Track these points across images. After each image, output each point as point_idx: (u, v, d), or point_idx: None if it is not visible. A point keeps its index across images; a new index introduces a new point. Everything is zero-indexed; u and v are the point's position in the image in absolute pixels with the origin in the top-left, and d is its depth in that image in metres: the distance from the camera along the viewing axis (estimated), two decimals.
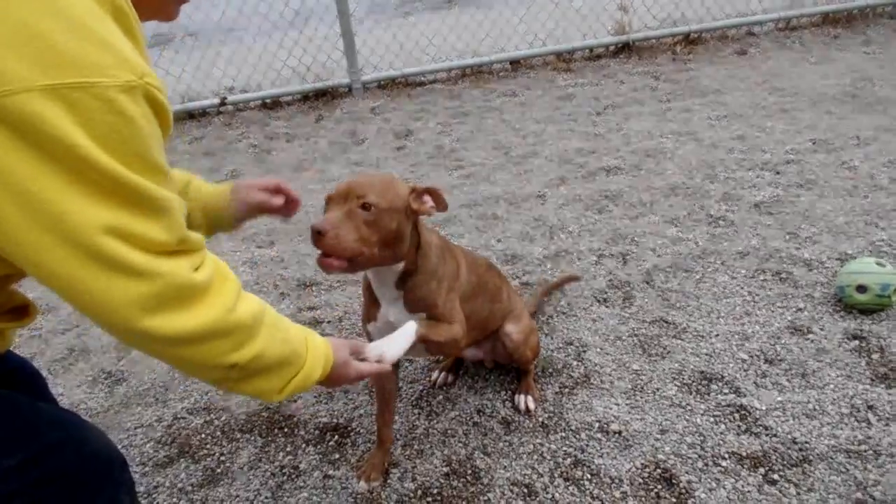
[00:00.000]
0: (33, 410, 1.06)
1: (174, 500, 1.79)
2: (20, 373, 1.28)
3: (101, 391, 2.25)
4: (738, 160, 3.48)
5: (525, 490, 1.73)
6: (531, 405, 1.99)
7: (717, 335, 2.23)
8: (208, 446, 1.98)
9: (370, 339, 1.68)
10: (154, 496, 1.80)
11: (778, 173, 3.30)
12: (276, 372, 1.07)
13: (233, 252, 3.13)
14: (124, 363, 2.39)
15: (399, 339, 1.45)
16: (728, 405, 1.93)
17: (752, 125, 3.91)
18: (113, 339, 2.49)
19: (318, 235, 1.28)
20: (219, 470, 1.89)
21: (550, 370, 2.16)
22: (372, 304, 1.64)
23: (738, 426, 1.86)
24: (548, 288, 2.47)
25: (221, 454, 1.94)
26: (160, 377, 2.30)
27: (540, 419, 1.96)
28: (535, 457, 1.83)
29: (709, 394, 1.99)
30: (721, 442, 1.81)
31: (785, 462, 1.73)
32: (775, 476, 1.69)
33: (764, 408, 1.91)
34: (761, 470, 1.72)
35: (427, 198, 1.48)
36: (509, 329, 1.94)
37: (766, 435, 1.82)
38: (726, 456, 1.77)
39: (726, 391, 1.99)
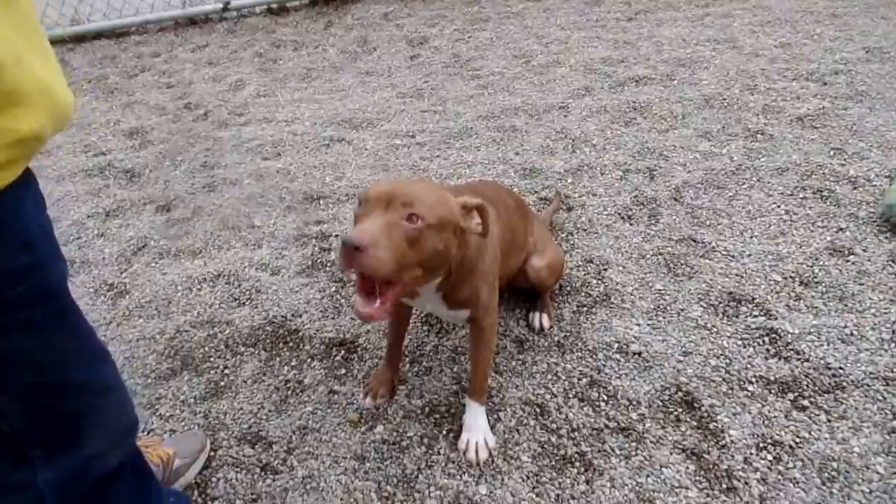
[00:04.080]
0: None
1: (177, 411, 1.75)
2: None
3: (103, 303, 2.19)
4: (781, 70, 3.20)
5: (538, 409, 1.65)
6: (546, 323, 1.89)
7: (750, 255, 2.08)
8: (212, 359, 1.92)
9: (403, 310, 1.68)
10: (157, 407, 1.76)
11: (825, 84, 3.02)
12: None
13: (237, 164, 2.99)
14: (126, 276, 2.32)
15: (482, 423, 1.57)
16: (758, 328, 1.81)
17: (799, 31, 3.57)
18: (115, 251, 2.42)
19: (353, 251, 1.02)
20: (222, 383, 1.83)
21: (569, 288, 2.04)
22: None
23: (768, 350, 1.75)
24: (550, 214, 2.30)
25: (225, 367, 1.89)
26: (163, 290, 2.23)
27: (555, 338, 1.86)
28: (549, 376, 1.74)
29: (737, 316, 1.87)
30: (748, 366, 1.70)
31: (816, 388, 1.62)
32: (805, 402, 1.59)
33: (797, 332, 1.79)
34: (790, 395, 1.61)
35: (475, 214, 1.27)
36: (535, 262, 1.81)
37: (798, 360, 1.70)
38: (753, 380, 1.66)
39: (756, 314, 1.86)
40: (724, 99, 3.01)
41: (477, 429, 1.56)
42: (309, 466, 1.56)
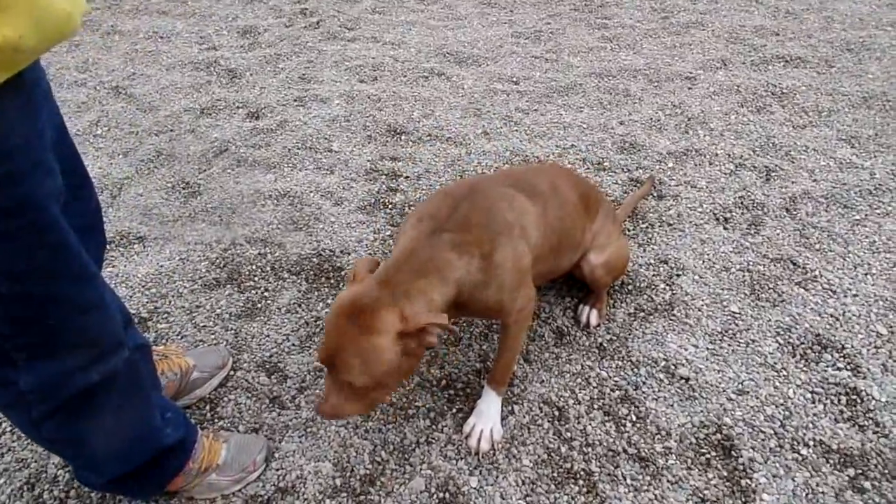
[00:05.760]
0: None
1: (210, 323, 1.80)
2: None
3: (176, 199, 2.28)
4: None
5: (556, 412, 1.54)
6: (594, 321, 1.74)
7: (856, 295, 1.78)
8: (256, 279, 1.95)
9: None
10: (194, 315, 1.83)
11: None
12: None
13: (333, 81, 2.94)
14: (203, 177, 2.39)
15: (493, 412, 1.47)
16: (837, 383, 1.56)
17: None
18: (199, 150, 2.49)
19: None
20: (259, 305, 1.86)
21: (630, 287, 1.85)
22: None
23: (841, 412, 1.50)
24: (635, 200, 2.07)
25: (266, 290, 1.91)
26: (230, 199, 2.27)
27: (598, 339, 1.71)
28: (579, 380, 1.61)
29: (817, 363, 1.61)
30: (810, 424, 1.48)
31: (886, 471, 1.38)
32: (866, 484, 1.36)
33: (884, 399, 1.52)
34: (850, 471, 1.38)
35: (434, 328, 1.14)
36: (591, 259, 1.64)
37: (874, 432, 1.45)
38: (810, 443, 1.44)
39: (841, 366, 1.60)
40: (889, 101, 2.53)
41: (487, 417, 1.48)
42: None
